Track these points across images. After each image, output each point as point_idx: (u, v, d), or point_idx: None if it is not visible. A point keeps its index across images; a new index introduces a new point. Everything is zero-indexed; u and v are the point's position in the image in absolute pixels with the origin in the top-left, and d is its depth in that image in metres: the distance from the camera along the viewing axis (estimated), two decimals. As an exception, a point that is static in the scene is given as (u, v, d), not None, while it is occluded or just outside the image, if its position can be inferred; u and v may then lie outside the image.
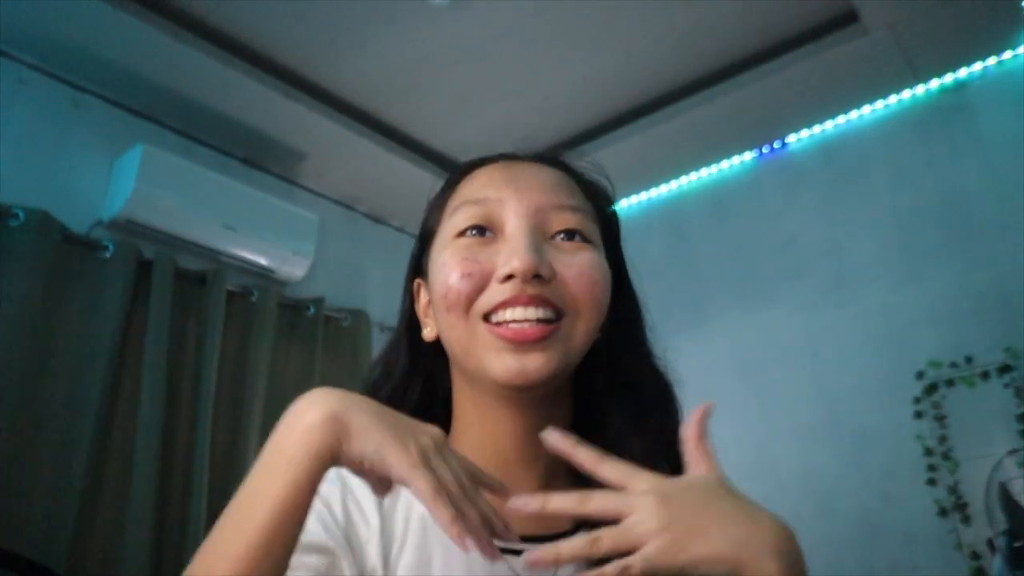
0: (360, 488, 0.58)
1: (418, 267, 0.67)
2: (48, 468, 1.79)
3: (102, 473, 1.90)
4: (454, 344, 0.60)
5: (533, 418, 0.60)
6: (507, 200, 0.59)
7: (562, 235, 0.59)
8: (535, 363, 0.55)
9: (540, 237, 0.58)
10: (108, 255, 2.03)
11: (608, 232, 0.65)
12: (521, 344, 0.55)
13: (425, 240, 0.66)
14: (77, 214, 2.05)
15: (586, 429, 0.62)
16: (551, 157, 0.67)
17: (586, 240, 0.59)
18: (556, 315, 0.56)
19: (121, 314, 1.99)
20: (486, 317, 0.56)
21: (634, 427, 0.61)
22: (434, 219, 0.65)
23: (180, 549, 1.97)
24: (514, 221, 0.58)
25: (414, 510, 0.60)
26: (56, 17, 1.92)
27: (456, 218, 0.60)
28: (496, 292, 0.56)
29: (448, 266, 0.58)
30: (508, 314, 0.55)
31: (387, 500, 0.59)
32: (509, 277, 0.55)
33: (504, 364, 0.55)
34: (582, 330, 0.58)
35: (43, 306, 1.87)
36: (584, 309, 0.57)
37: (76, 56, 2.06)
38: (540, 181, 0.61)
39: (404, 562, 0.57)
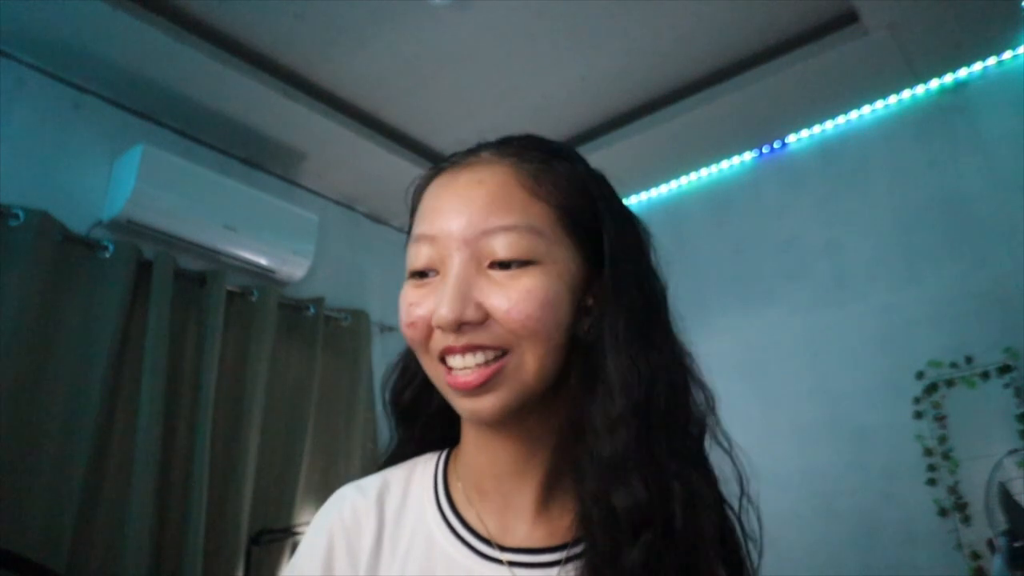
0: (352, 532, 0.62)
1: None
2: (48, 468, 1.79)
3: (102, 473, 1.90)
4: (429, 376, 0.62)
5: (521, 433, 0.61)
6: (440, 237, 0.57)
7: (497, 264, 0.56)
8: (486, 404, 0.56)
9: (472, 272, 0.56)
10: (108, 255, 2.03)
11: (577, 218, 0.59)
12: (468, 391, 0.56)
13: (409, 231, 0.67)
14: (77, 214, 2.05)
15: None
16: (498, 148, 0.62)
17: (524, 263, 0.56)
18: (499, 353, 0.55)
19: (121, 314, 1.99)
20: (441, 358, 0.58)
21: (609, 430, 0.57)
22: (412, 220, 0.65)
23: (180, 549, 1.97)
24: (447, 262, 0.57)
25: (419, 533, 0.62)
26: (56, 17, 1.92)
27: (409, 253, 0.60)
28: (439, 339, 0.57)
29: (401, 311, 0.60)
30: (451, 361, 0.56)
31: (391, 527, 0.63)
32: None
33: (461, 406, 0.57)
34: (532, 360, 0.56)
35: (43, 306, 1.87)
36: (526, 342, 0.55)
37: (76, 56, 2.06)
38: (473, 200, 0.57)
39: None
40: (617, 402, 0.57)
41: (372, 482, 0.66)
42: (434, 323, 0.56)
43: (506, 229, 0.56)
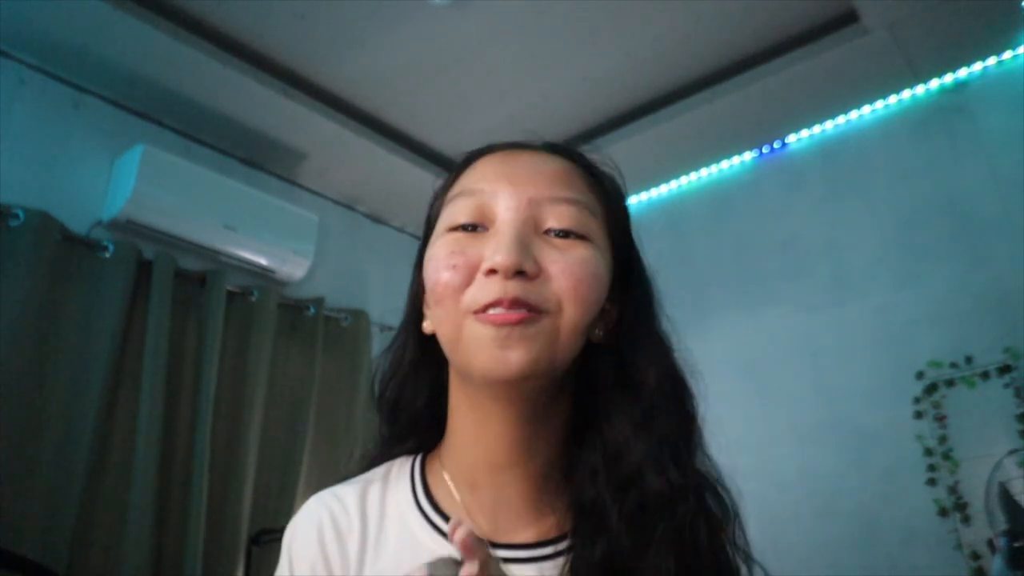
0: (338, 533, 0.61)
1: (424, 257, 0.65)
2: (48, 468, 1.79)
3: (102, 473, 1.90)
4: (444, 338, 0.59)
5: (526, 417, 0.59)
6: (500, 192, 0.58)
7: (555, 231, 0.57)
8: (517, 355, 0.54)
9: (530, 231, 0.57)
10: (108, 255, 2.03)
11: (615, 226, 0.63)
12: (504, 329, 0.53)
13: (427, 230, 0.66)
14: (77, 214, 2.05)
15: (588, 427, 0.62)
16: (558, 146, 0.66)
17: (581, 236, 0.58)
18: (539, 314, 0.55)
19: (121, 314, 1.99)
20: (473, 313, 0.56)
21: (636, 429, 0.59)
22: (435, 209, 0.65)
23: (180, 549, 1.97)
24: (504, 215, 0.57)
25: (403, 537, 0.61)
26: (56, 17, 1.92)
27: (450, 210, 0.60)
28: (481, 289, 0.55)
29: (436, 259, 0.58)
30: (492, 312, 0.55)
31: (374, 533, 0.61)
32: (492, 272, 0.54)
33: (488, 355, 0.54)
34: (568, 327, 0.56)
35: (43, 306, 1.87)
36: (568, 306, 0.55)
37: (76, 56, 2.06)
38: (538, 172, 0.60)
39: None
40: (652, 401, 0.60)
41: (348, 489, 0.64)
42: (490, 265, 0.54)
43: (570, 201, 0.59)
